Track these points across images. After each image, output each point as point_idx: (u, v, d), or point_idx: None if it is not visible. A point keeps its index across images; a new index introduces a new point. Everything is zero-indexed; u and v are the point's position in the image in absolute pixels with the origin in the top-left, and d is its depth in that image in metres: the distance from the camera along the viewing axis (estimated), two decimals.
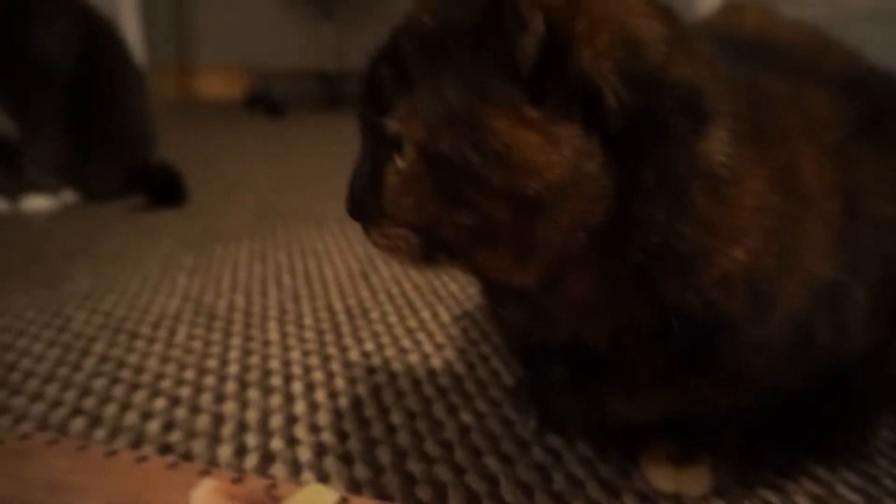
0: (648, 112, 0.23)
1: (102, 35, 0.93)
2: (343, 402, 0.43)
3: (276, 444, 0.39)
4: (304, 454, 0.38)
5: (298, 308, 0.59)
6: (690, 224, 0.24)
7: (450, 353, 0.50)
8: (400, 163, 0.24)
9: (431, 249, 0.25)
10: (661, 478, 0.33)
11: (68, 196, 0.94)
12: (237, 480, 0.32)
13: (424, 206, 0.24)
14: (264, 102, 2.31)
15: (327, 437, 0.39)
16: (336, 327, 0.55)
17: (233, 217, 0.91)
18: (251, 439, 0.39)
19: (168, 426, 0.40)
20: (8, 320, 0.55)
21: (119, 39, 0.97)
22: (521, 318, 0.28)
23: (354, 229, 0.81)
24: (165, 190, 0.97)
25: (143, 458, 0.34)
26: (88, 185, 0.95)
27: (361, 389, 0.45)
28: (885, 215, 0.28)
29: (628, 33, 0.23)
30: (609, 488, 0.34)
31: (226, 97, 2.85)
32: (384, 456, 0.37)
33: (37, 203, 0.90)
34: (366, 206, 0.27)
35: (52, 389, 0.44)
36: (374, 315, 0.57)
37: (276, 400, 0.43)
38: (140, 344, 0.51)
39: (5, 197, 0.89)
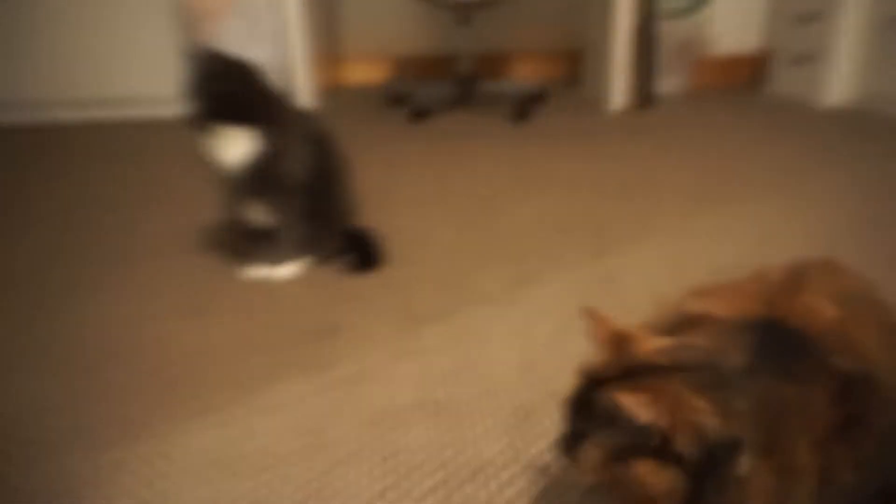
0: (709, 458, 0.49)
1: (324, 146, 1.25)
2: None
3: None
4: None
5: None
6: (733, 500, 0.50)
7: None
8: (589, 456, 0.53)
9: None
10: None
11: (304, 261, 1.29)
12: None
13: (604, 478, 0.53)
14: (409, 106, 2.59)
15: None
16: None
17: (425, 290, 1.21)
18: None
19: None
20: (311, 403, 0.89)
21: (332, 142, 1.28)
22: None
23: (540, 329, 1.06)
24: (367, 255, 1.30)
25: None
26: (317, 252, 1.30)
27: None
28: (844, 480, 0.53)
29: (697, 430, 0.49)
30: None
31: (369, 82, 3.21)
32: None
33: (286, 270, 1.26)
34: (568, 455, 0.56)
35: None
36: None
37: None
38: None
39: (267, 266, 1.26)
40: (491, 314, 1.12)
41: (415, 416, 0.87)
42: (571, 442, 0.56)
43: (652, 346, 0.56)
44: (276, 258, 1.25)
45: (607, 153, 2.12)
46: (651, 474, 0.50)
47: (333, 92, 3.05)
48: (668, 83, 2.84)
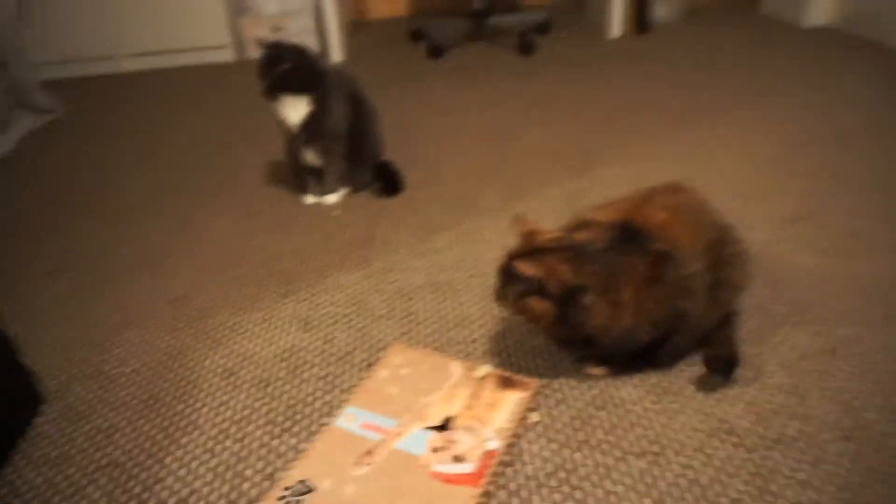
0: (568, 295, 0.93)
1: (359, 101, 1.66)
2: None
3: None
4: None
5: None
6: (583, 322, 0.94)
7: None
8: (507, 299, 0.97)
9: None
10: (592, 369, 1.06)
11: (344, 190, 1.74)
12: None
13: (516, 312, 0.97)
14: (427, 43, 2.94)
15: None
16: None
17: (439, 207, 1.65)
18: None
19: None
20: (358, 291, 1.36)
21: (363, 94, 1.69)
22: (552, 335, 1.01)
23: None
24: (392, 183, 1.73)
25: None
26: (354, 183, 1.74)
27: None
28: (649, 310, 0.96)
29: (561, 279, 0.91)
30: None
31: (392, 14, 3.54)
32: None
33: (331, 198, 1.71)
34: (498, 299, 1.00)
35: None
36: None
37: None
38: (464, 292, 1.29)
39: (316, 196, 1.71)
40: (487, 223, 1.55)
41: (424, 291, 1.32)
42: (500, 292, 1.00)
43: (546, 237, 0.99)
44: (325, 189, 1.70)
45: (602, 81, 2.47)
46: (537, 305, 0.94)
47: (359, 26, 3.39)
48: (668, 5, 3.08)
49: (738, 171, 1.72)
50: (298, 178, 1.74)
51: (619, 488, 0.88)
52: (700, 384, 1.04)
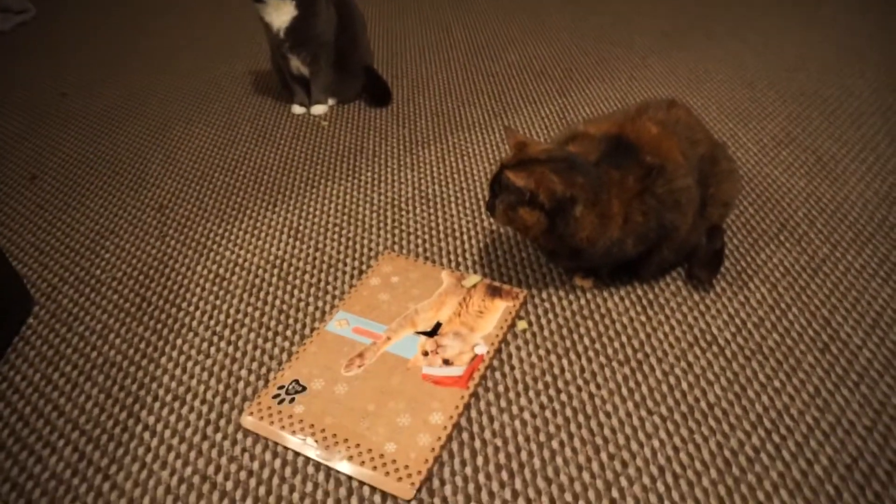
0: (559, 206, 0.93)
1: (345, 5, 1.60)
2: None
3: None
4: None
5: None
6: (572, 234, 0.95)
7: None
8: (498, 210, 0.97)
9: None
10: (579, 280, 1.08)
11: (332, 101, 1.70)
12: None
13: (506, 222, 0.97)
14: None
15: None
16: None
17: (424, 120, 1.63)
18: None
19: None
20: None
21: (353, 3, 1.63)
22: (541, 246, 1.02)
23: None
24: (381, 94, 1.70)
25: None
26: (342, 94, 1.70)
27: None
28: (636, 221, 0.97)
29: (552, 190, 0.91)
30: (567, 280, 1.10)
31: None
32: None
33: (318, 109, 1.67)
34: (489, 211, 1.00)
35: None
36: None
37: None
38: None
39: (304, 106, 1.67)
40: (474, 137, 1.53)
41: (413, 203, 1.32)
42: (491, 203, 1.00)
43: (537, 148, 0.98)
44: (313, 99, 1.66)
45: None
46: (527, 215, 0.95)
47: None
48: None
49: (730, 93, 1.71)
50: (286, 87, 1.69)
51: (603, 392, 0.91)
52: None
